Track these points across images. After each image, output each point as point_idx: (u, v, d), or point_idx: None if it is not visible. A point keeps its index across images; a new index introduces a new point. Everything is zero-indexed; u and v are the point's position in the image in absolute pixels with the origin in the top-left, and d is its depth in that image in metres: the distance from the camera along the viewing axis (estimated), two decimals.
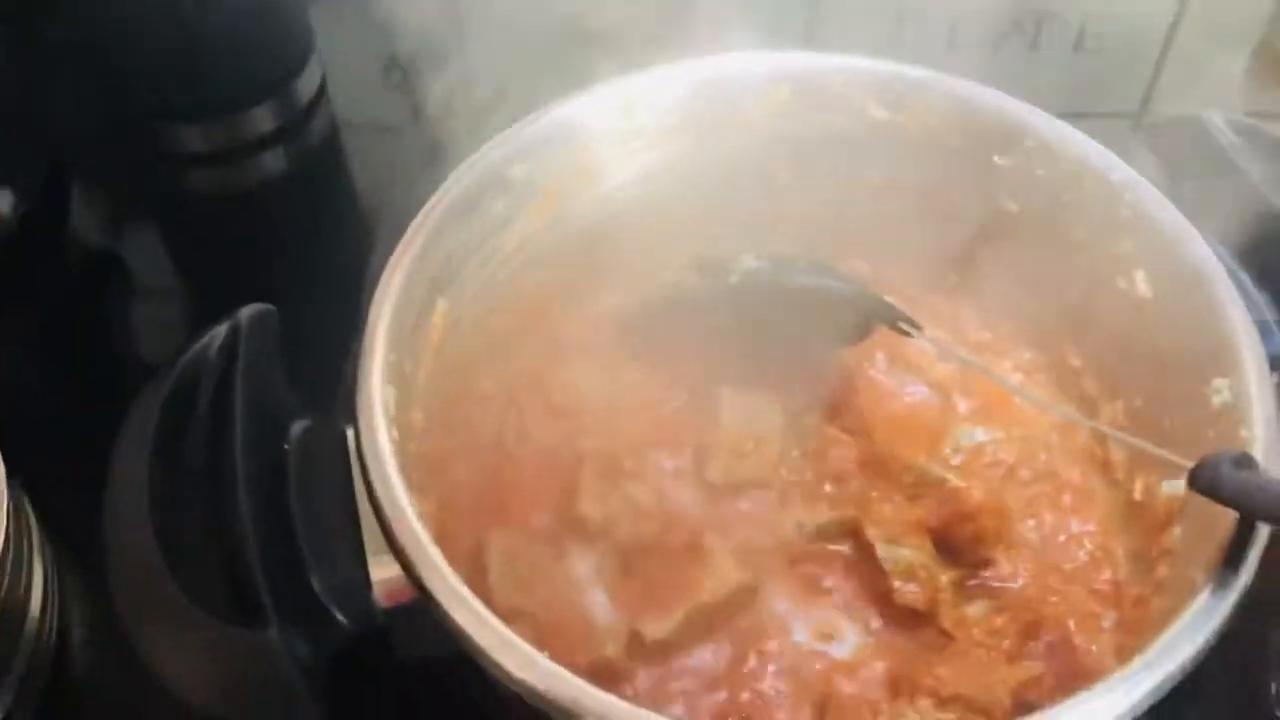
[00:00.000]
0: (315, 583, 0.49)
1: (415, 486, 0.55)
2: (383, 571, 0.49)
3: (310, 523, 0.50)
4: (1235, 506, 0.46)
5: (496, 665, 0.44)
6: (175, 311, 0.84)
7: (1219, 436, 0.53)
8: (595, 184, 0.65)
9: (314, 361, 0.57)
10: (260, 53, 0.90)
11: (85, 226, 0.88)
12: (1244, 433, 0.51)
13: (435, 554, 0.47)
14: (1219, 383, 0.53)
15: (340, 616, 0.49)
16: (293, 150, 0.91)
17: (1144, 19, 0.97)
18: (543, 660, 0.45)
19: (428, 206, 0.57)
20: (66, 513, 0.59)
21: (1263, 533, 0.47)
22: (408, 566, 0.47)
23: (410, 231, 0.56)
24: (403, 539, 0.47)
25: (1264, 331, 0.56)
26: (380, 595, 0.50)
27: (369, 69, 0.96)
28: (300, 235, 0.85)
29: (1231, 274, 0.57)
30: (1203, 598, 0.47)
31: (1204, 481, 0.46)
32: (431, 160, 0.64)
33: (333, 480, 0.52)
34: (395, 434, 0.51)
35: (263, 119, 0.90)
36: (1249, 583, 0.47)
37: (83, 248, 0.87)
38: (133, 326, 0.83)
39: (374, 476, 0.49)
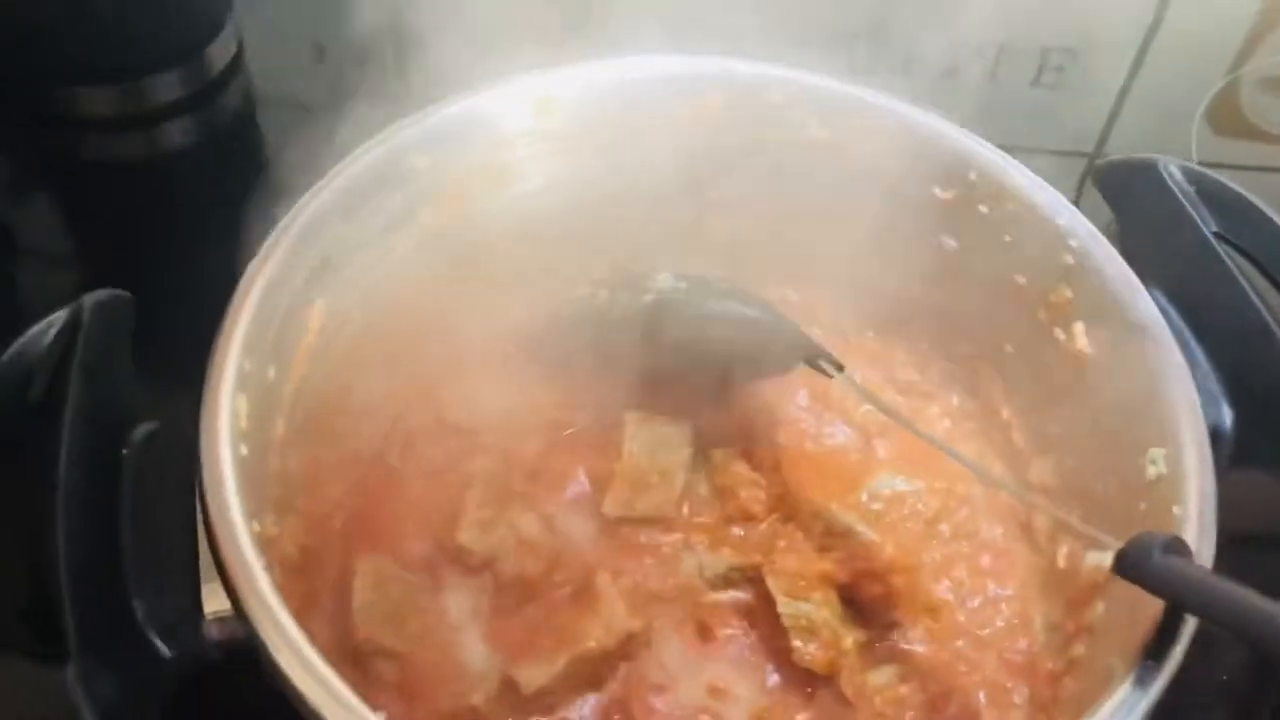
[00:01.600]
0: (138, 609, 0.43)
1: (274, 505, 0.51)
2: (219, 602, 0.44)
3: (142, 541, 0.44)
4: (1163, 597, 0.41)
5: None
6: (66, 281, 0.77)
7: (1150, 510, 0.49)
8: (506, 185, 0.60)
9: (186, 357, 0.50)
10: (166, 14, 0.84)
11: None
12: (1177, 510, 0.47)
13: (266, 586, 0.41)
14: (1155, 453, 0.49)
15: (164, 649, 0.44)
16: (200, 123, 0.85)
17: (1104, 57, 0.94)
18: None
19: (306, 197, 0.52)
20: None
21: (1190, 624, 0.43)
22: (234, 598, 0.42)
23: (283, 224, 0.50)
24: (231, 567, 0.42)
25: (1206, 401, 0.52)
26: (213, 628, 0.44)
27: (291, 42, 0.90)
28: (198, 215, 0.79)
29: (1178, 336, 0.53)
30: (1122, 690, 0.43)
31: (1131, 567, 0.42)
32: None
33: (176, 493, 0.46)
34: (244, 449, 0.46)
35: (168, 87, 0.84)
36: (1171, 677, 0.43)
37: None
38: (21, 293, 0.76)
39: (209, 495, 0.44)
